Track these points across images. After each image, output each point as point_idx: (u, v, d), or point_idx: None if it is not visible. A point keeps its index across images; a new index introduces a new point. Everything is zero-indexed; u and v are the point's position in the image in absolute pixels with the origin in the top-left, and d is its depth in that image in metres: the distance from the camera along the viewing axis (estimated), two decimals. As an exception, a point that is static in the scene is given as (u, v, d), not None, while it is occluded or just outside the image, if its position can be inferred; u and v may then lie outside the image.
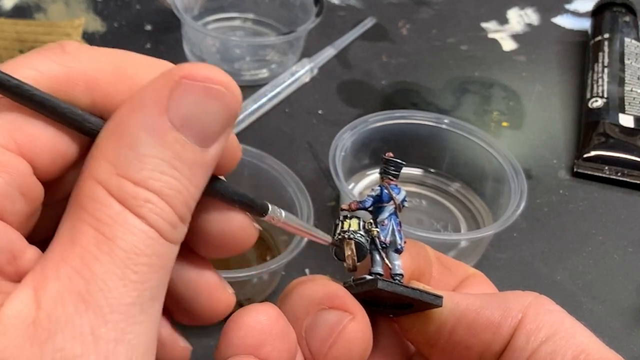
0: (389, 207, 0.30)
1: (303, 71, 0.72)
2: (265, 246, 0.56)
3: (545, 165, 0.68)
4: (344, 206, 0.30)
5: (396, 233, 0.30)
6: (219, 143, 0.23)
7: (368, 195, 0.30)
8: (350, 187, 0.58)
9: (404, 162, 0.31)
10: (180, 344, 0.29)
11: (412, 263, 0.30)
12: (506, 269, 0.58)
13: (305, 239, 0.50)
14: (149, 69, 0.24)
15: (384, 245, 0.29)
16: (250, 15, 0.79)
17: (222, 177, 0.26)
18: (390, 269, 0.29)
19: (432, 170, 0.63)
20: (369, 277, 0.28)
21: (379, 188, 0.30)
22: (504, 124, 0.72)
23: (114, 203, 0.21)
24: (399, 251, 0.30)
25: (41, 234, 0.24)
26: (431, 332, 0.29)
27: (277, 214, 0.28)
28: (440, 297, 0.28)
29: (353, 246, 0.29)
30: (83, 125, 0.23)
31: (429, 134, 0.62)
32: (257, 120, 0.68)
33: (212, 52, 0.73)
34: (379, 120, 0.61)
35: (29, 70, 0.22)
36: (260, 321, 0.26)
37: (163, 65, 0.25)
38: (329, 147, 0.56)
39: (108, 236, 0.21)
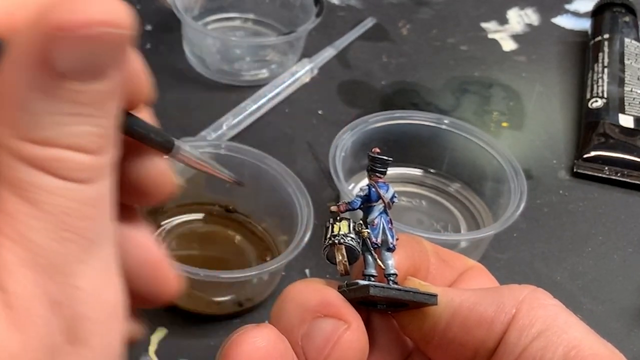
0: (379, 206, 0.30)
1: (303, 71, 0.72)
2: (265, 246, 0.56)
3: (545, 166, 0.68)
4: (332, 208, 0.30)
5: (387, 232, 0.29)
6: (117, 70, 0.21)
7: (357, 196, 0.30)
8: (350, 187, 0.58)
9: (390, 159, 0.30)
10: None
11: (407, 260, 0.30)
12: (506, 270, 0.58)
13: (306, 240, 0.50)
14: None
15: (375, 246, 0.29)
16: (251, 15, 0.79)
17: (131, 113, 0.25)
18: (383, 269, 0.29)
19: (432, 170, 0.63)
20: (361, 282, 0.28)
21: (367, 187, 0.30)
22: (504, 124, 0.72)
23: (23, 167, 0.20)
24: (391, 250, 0.29)
25: None
26: (426, 329, 0.29)
27: (182, 149, 0.26)
28: (434, 295, 0.28)
29: (344, 251, 0.29)
30: None
31: (429, 134, 0.62)
32: (257, 121, 0.68)
33: (212, 52, 0.73)
34: (379, 120, 0.60)
35: None
36: (260, 348, 0.26)
37: None
38: (329, 147, 0.56)
39: (31, 202, 0.20)
